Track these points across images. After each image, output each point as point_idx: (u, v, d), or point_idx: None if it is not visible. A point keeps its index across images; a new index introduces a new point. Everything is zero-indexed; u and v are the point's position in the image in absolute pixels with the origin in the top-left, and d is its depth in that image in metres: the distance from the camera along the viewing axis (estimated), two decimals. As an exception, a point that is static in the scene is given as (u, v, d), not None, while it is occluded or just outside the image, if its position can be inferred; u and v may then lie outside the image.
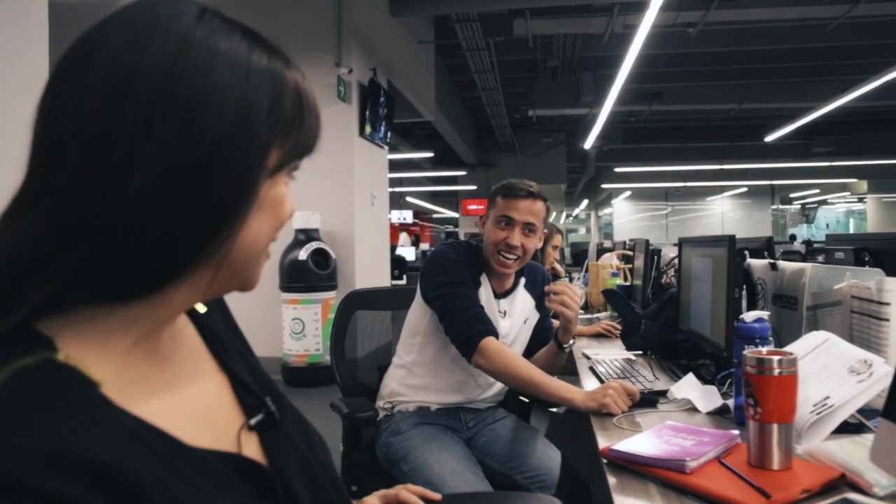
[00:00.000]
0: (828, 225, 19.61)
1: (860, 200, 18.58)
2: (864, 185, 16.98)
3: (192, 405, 0.57)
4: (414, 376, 1.86)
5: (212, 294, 0.58)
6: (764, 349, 1.12)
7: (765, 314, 1.31)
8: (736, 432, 1.15)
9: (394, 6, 6.19)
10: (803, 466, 1.02)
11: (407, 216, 21.06)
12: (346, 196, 5.51)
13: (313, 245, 5.18)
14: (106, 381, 0.47)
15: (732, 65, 8.80)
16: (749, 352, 1.03)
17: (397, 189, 18.02)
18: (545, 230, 1.95)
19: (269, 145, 0.53)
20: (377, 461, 1.80)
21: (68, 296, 0.48)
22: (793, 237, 12.99)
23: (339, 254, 5.40)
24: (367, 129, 5.71)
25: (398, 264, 9.87)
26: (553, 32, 7.10)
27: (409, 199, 19.91)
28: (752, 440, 1.03)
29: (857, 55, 8.38)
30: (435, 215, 24.95)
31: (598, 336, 2.57)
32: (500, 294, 1.87)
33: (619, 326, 2.51)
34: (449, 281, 1.78)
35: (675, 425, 1.22)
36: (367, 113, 5.69)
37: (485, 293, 1.83)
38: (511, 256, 1.78)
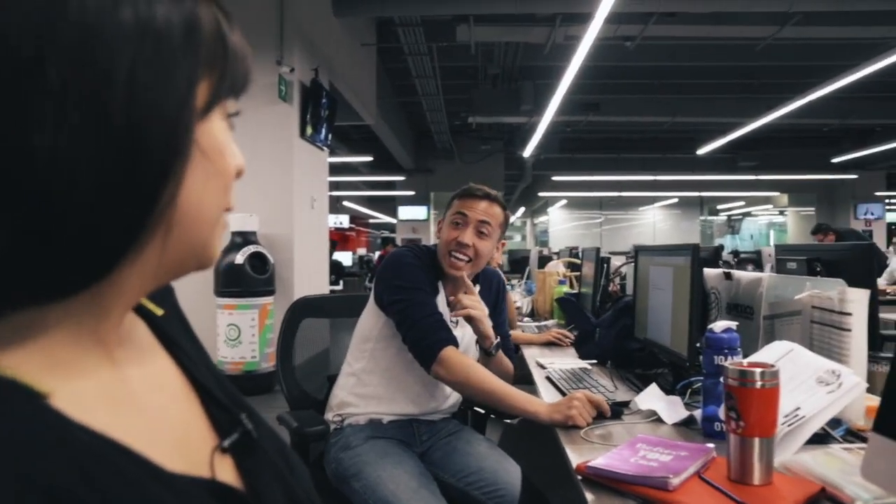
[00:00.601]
0: (752, 236, 20.50)
1: (781, 213, 19.49)
2: (784, 198, 17.80)
3: (160, 420, 0.49)
4: (364, 385, 1.78)
5: (165, 276, 0.49)
6: (729, 360, 1.10)
7: (733, 324, 1.30)
8: (711, 446, 1.12)
9: (337, 6, 6.08)
10: (783, 481, 1.00)
11: (343, 221, 20.81)
12: (286, 198, 5.36)
13: (251, 248, 5.01)
14: (58, 393, 0.39)
15: (667, 79, 9.08)
16: (731, 364, 1.01)
17: (334, 193, 17.77)
18: (503, 241, 1.91)
19: (194, 75, 0.44)
20: (326, 478, 1.71)
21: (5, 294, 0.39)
22: (721, 247, 13.51)
23: (277, 258, 5.24)
24: (308, 131, 5.58)
25: (335, 269, 9.71)
26: (495, 40, 7.14)
27: (346, 203, 19.67)
28: (733, 454, 1.00)
29: (783, 75, 8.79)
30: (372, 220, 24.75)
31: (550, 345, 2.55)
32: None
33: (569, 335, 2.49)
34: (407, 286, 1.71)
35: (648, 438, 1.19)
36: (309, 115, 5.55)
37: (441, 300, 1.77)
38: (462, 257, 1.73)
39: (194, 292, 5.21)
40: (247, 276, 4.94)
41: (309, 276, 5.77)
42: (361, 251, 16.41)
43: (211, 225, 0.48)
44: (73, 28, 0.38)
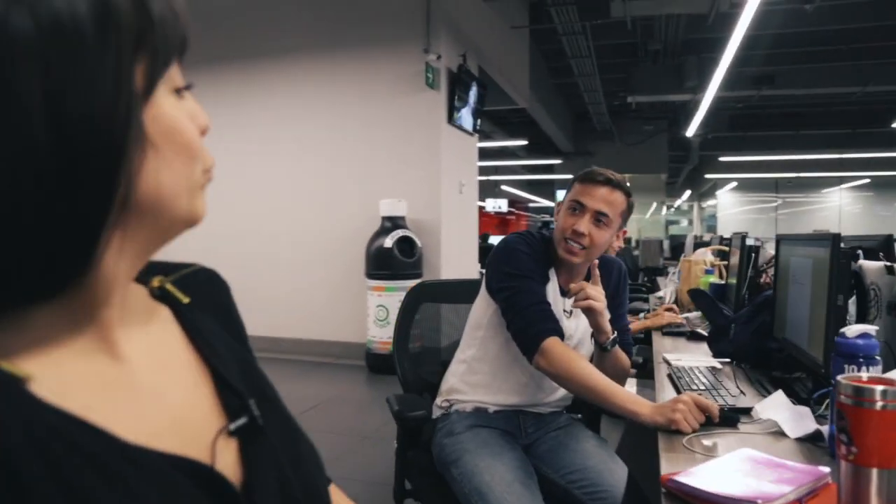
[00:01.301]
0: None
1: None
2: None
3: (156, 403, 0.50)
4: (474, 373, 1.76)
5: (153, 248, 0.51)
6: (865, 373, 0.93)
7: (872, 329, 1.11)
8: (827, 470, 0.97)
9: (486, -10, 6.05)
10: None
11: (502, 205, 20.92)
12: (434, 184, 5.46)
13: (399, 233, 5.17)
14: (43, 376, 0.42)
15: (854, 43, 8.01)
16: (844, 378, 0.85)
17: (492, 177, 17.89)
18: (625, 228, 1.79)
19: (121, 68, 0.41)
20: (433, 461, 1.72)
21: None
22: (891, 237, 11.81)
23: (424, 242, 5.36)
24: (456, 117, 5.63)
25: (486, 253, 9.76)
26: (654, 14, 6.73)
27: (504, 187, 19.73)
28: (844, 484, 0.85)
29: None
30: (531, 204, 24.64)
31: (690, 338, 2.37)
32: (568, 291, 1.73)
33: (678, 317, 2.36)
34: (515, 273, 1.66)
35: (753, 454, 1.05)
36: (456, 100, 5.60)
37: (552, 290, 1.69)
38: (577, 245, 1.64)
39: (347, 273, 5.50)
40: (395, 260, 5.11)
41: (458, 260, 5.85)
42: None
43: (182, 196, 0.49)
44: None
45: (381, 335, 5.18)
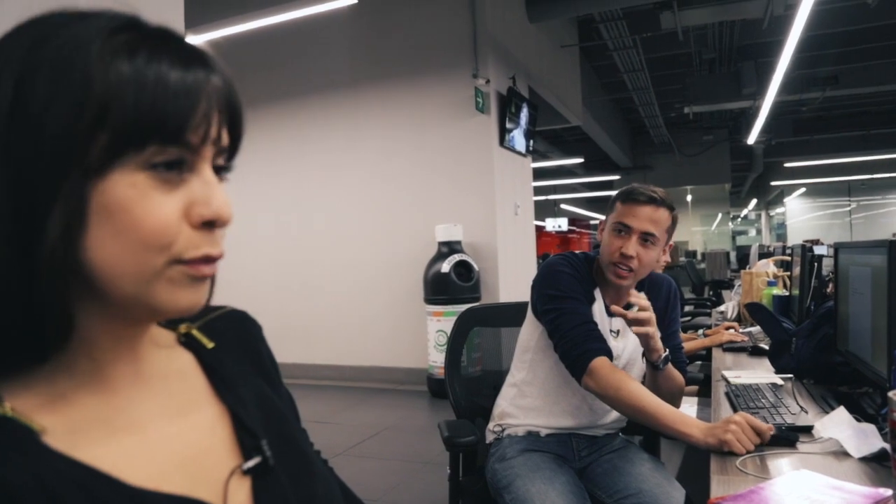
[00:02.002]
0: None
1: None
2: None
3: (166, 446, 0.53)
4: (525, 396, 1.74)
5: (135, 321, 0.52)
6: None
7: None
8: (889, 492, 0.91)
9: (531, 12, 6.08)
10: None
11: (562, 224, 20.71)
12: (488, 207, 5.47)
13: (455, 257, 5.19)
14: (54, 429, 0.47)
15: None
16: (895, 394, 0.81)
17: (551, 197, 17.78)
18: (671, 242, 1.75)
19: (72, 138, 0.44)
20: (487, 486, 1.70)
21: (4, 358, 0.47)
22: None
23: (481, 265, 5.37)
24: (507, 139, 5.64)
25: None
26: (705, 22, 6.60)
27: (564, 206, 19.56)
28: (902, 505, 0.80)
29: None
30: (592, 222, 24.32)
31: (752, 353, 2.29)
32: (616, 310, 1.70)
33: (738, 331, 2.28)
34: (559, 295, 1.64)
35: (810, 477, 1.00)
36: (507, 122, 5.62)
37: (598, 309, 1.67)
38: (625, 268, 1.61)
39: (406, 299, 5.56)
40: (453, 285, 5.13)
41: (516, 282, 5.82)
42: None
43: (136, 280, 0.47)
44: None
45: (441, 360, 5.16)
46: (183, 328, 0.62)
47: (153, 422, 0.53)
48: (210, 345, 0.63)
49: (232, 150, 0.53)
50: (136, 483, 0.48)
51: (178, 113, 0.47)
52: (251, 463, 0.57)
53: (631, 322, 1.53)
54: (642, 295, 1.56)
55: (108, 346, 0.51)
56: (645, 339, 1.57)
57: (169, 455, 0.53)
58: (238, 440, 0.58)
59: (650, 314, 1.52)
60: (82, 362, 0.50)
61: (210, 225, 0.50)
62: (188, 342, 0.62)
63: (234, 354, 0.66)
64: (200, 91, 0.48)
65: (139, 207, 0.46)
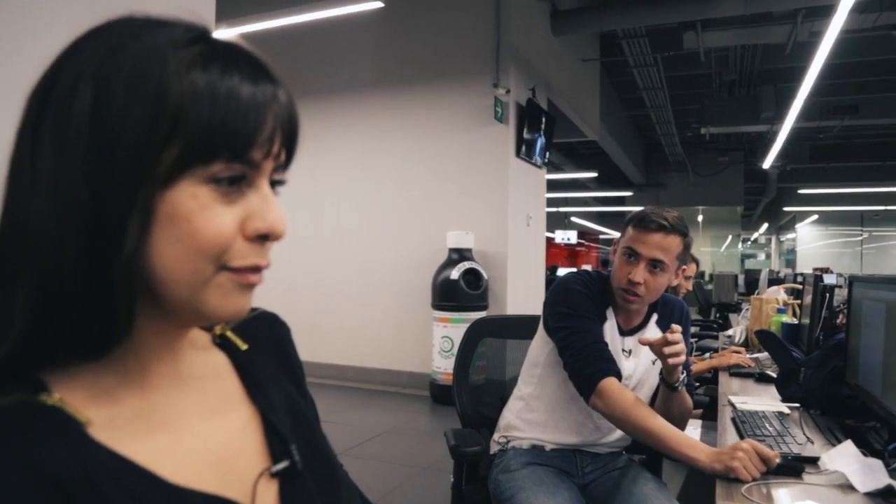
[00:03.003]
0: None
1: None
2: None
3: (199, 445, 0.55)
4: (531, 410, 1.75)
5: (184, 324, 0.54)
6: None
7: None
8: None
9: (556, 25, 6.11)
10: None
11: (571, 236, 20.69)
12: (501, 216, 5.49)
13: (465, 265, 5.21)
14: (97, 422, 0.48)
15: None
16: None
17: (562, 209, 17.77)
18: (684, 266, 1.76)
19: (147, 149, 0.46)
20: (489, 497, 1.72)
21: (56, 352, 0.49)
22: None
23: (490, 274, 5.38)
24: (524, 150, 5.66)
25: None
26: (728, 45, 6.62)
27: (574, 219, 19.56)
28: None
29: None
30: (602, 236, 24.30)
31: (758, 380, 2.29)
32: (627, 331, 1.71)
33: (745, 359, 2.31)
34: (572, 313, 1.65)
35: (814, 507, 1.02)
36: (525, 133, 5.64)
37: (609, 329, 1.68)
38: (633, 294, 1.62)
39: (413, 304, 5.58)
40: (461, 292, 5.14)
41: (525, 292, 5.84)
42: (587, 267, 16.11)
43: (188, 286, 0.49)
44: (50, 114, 0.46)
45: (445, 366, 5.20)
46: (218, 329, 0.63)
47: (188, 420, 0.55)
48: (244, 346, 0.64)
49: (287, 164, 0.54)
50: (171, 479, 0.49)
51: (246, 131, 0.48)
52: (280, 466, 0.58)
53: (667, 355, 1.51)
54: (678, 328, 1.53)
55: (153, 346, 0.53)
56: (667, 364, 1.56)
57: (202, 454, 0.54)
58: (267, 443, 0.59)
59: (681, 347, 1.51)
60: (128, 360, 0.52)
61: (263, 238, 0.51)
62: (222, 343, 0.63)
63: (265, 356, 0.67)
64: (269, 108, 0.50)
65: (200, 218, 0.48)
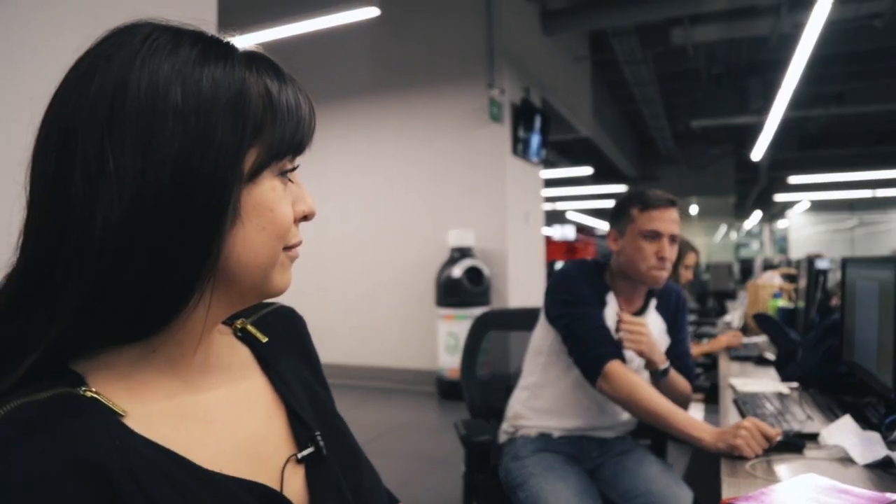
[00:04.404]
0: None
1: None
2: None
3: (229, 433, 0.58)
4: (537, 398, 1.81)
5: (233, 308, 0.59)
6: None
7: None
8: (894, 497, 0.98)
9: (546, 25, 6.17)
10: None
11: (569, 232, 20.72)
12: (500, 214, 5.55)
13: (467, 262, 5.28)
14: (133, 413, 0.51)
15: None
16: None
17: (559, 205, 17.83)
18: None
19: (239, 151, 0.52)
20: (500, 485, 1.77)
21: (95, 340, 0.52)
22: None
23: (492, 271, 5.45)
24: (520, 148, 5.73)
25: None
26: (714, 39, 6.69)
27: (570, 214, 19.60)
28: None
29: None
30: (598, 231, 24.35)
31: (757, 363, 2.36)
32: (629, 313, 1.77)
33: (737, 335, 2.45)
34: (573, 300, 1.71)
35: (818, 480, 1.07)
36: (520, 132, 5.71)
37: (611, 313, 1.74)
38: (664, 270, 1.71)
39: (418, 302, 5.63)
40: (464, 289, 5.21)
41: (525, 287, 5.90)
42: (585, 261, 16.13)
43: (264, 267, 0.56)
44: (131, 116, 0.48)
45: (451, 362, 5.26)
46: (239, 323, 0.67)
47: (218, 409, 0.58)
48: (264, 339, 0.68)
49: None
50: (206, 466, 0.53)
51: (309, 133, 0.58)
52: (306, 452, 0.62)
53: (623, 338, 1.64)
54: (637, 319, 1.66)
55: (195, 334, 0.56)
56: (641, 355, 1.66)
57: (232, 441, 0.57)
58: (292, 430, 0.63)
59: (639, 329, 1.64)
60: (169, 349, 0.55)
61: (305, 218, 0.60)
62: (243, 336, 0.67)
63: (285, 348, 0.71)
64: (314, 111, 0.59)
65: (279, 206, 0.56)
